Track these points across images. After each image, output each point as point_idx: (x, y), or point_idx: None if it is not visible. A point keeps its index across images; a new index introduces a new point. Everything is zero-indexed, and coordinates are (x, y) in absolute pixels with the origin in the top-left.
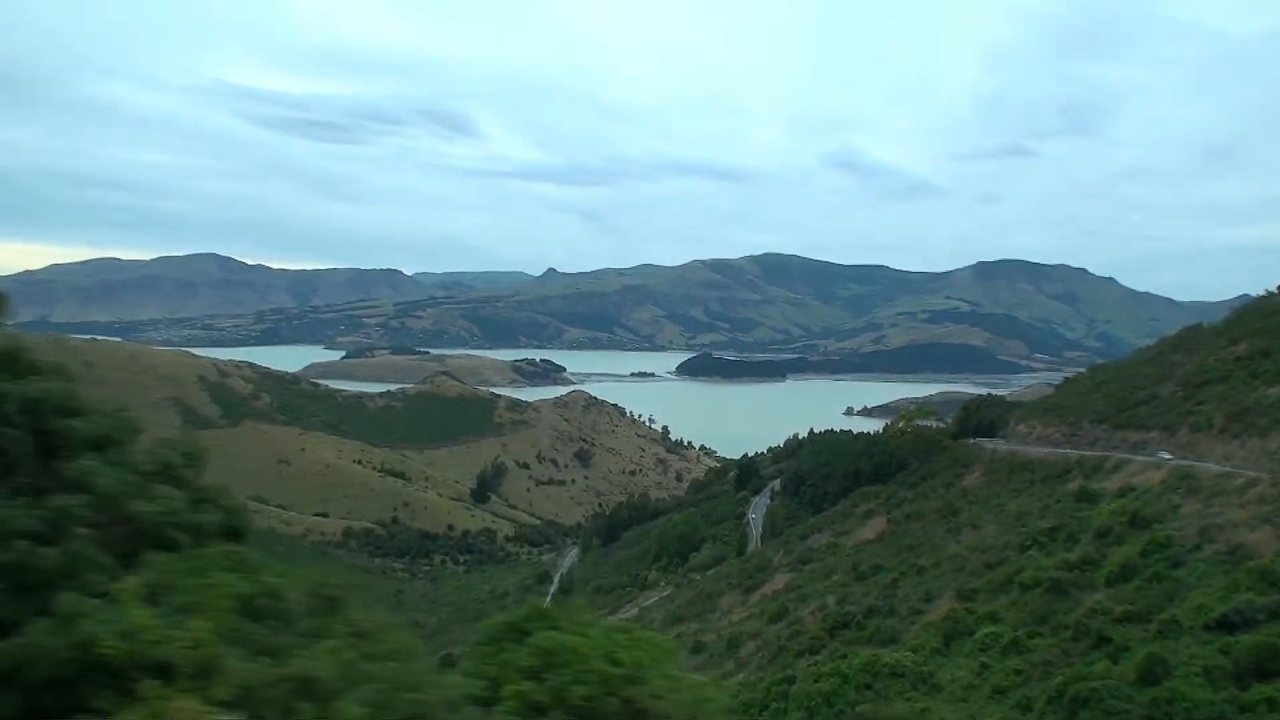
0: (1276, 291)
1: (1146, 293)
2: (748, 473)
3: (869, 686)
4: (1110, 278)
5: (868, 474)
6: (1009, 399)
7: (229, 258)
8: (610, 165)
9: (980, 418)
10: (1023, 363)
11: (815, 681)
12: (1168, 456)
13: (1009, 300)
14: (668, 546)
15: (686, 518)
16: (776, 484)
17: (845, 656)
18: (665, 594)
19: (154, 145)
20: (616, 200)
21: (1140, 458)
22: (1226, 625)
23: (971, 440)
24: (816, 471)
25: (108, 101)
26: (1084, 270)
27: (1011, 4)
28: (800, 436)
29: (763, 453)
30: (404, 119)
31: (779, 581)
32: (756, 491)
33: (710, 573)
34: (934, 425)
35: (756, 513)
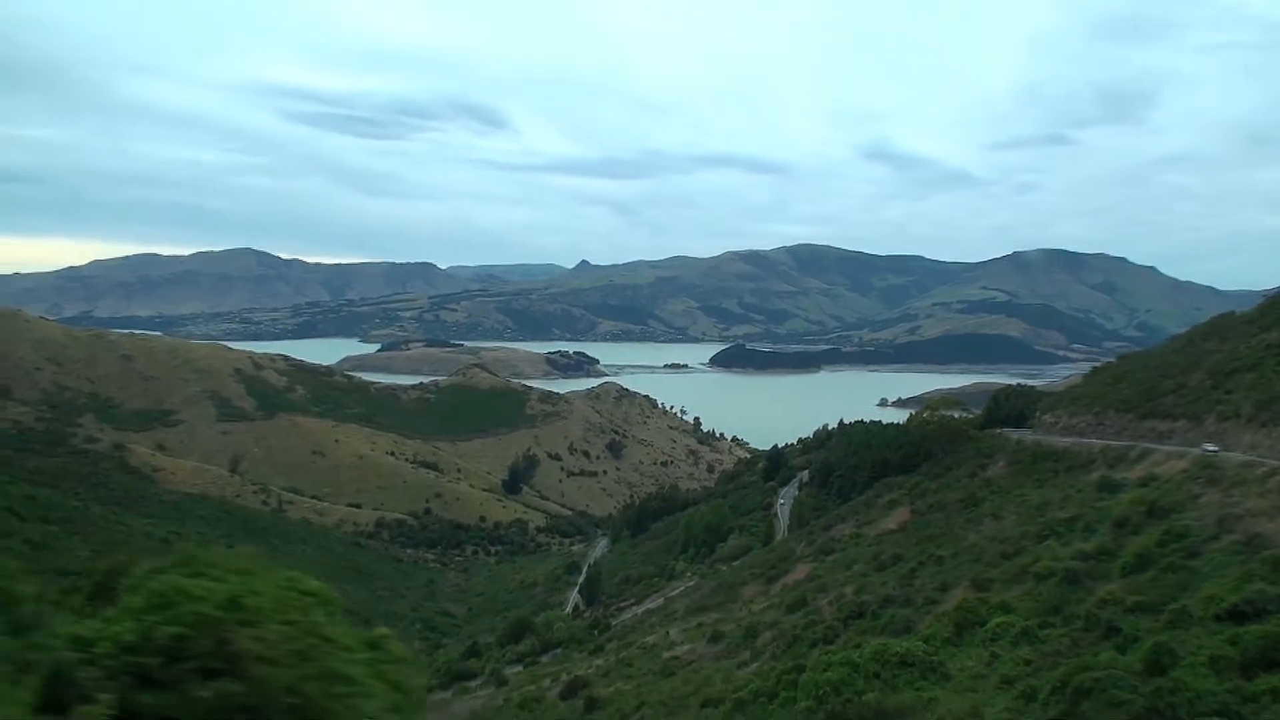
0: None
1: (1189, 282)
2: (776, 463)
3: (878, 675)
4: (1151, 267)
5: (896, 464)
6: (1043, 390)
7: (266, 253)
8: (644, 158)
9: (1009, 408)
10: (1060, 353)
11: (825, 670)
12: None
13: (1047, 290)
14: (695, 537)
15: (714, 508)
16: (805, 475)
17: (859, 646)
18: (691, 584)
19: (193, 143)
20: (650, 193)
21: (1166, 447)
22: (1237, 615)
23: (997, 430)
24: (845, 462)
25: (149, 101)
26: (1124, 259)
27: None
28: (830, 427)
29: (793, 444)
30: (439, 114)
31: (800, 571)
32: (785, 482)
33: (736, 563)
34: (959, 415)
35: (784, 503)
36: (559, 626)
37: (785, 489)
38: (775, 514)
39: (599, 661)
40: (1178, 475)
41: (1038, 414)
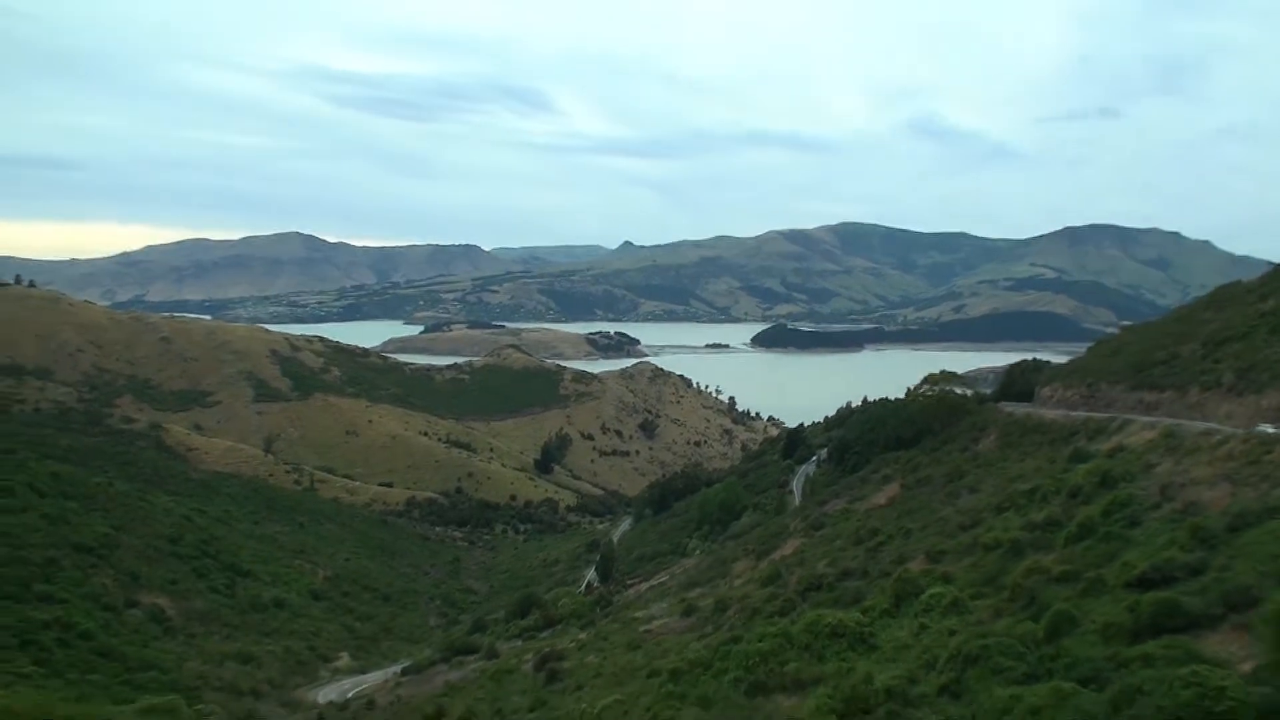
0: None
1: (1245, 256)
2: (795, 442)
3: (808, 647)
4: (1206, 241)
5: (910, 440)
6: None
7: (313, 236)
8: (687, 138)
9: (1024, 383)
10: (1109, 330)
11: (759, 641)
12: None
13: (1097, 266)
14: (709, 515)
15: (727, 486)
16: (823, 453)
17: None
18: (697, 560)
19: (243, 128)
20: (693, 173)
21: (1145, 418)
22: (1146, 583)
23: (996, 404)
24: (861, 439)
25: (201, 87)
26: (1177, 234)
27: None
28: (852, 405)
29: (817, 423)
30: (483, 96)
31: (789, 547)
32: (803, 460)
33: (736, 540)
34: (960, 391)
35: (799, 481)
36: (563, 603)
37: (803, 467)
38: (790, 491)
39: (583, 635)
40: (1143, 445)
41: (1036, 387)
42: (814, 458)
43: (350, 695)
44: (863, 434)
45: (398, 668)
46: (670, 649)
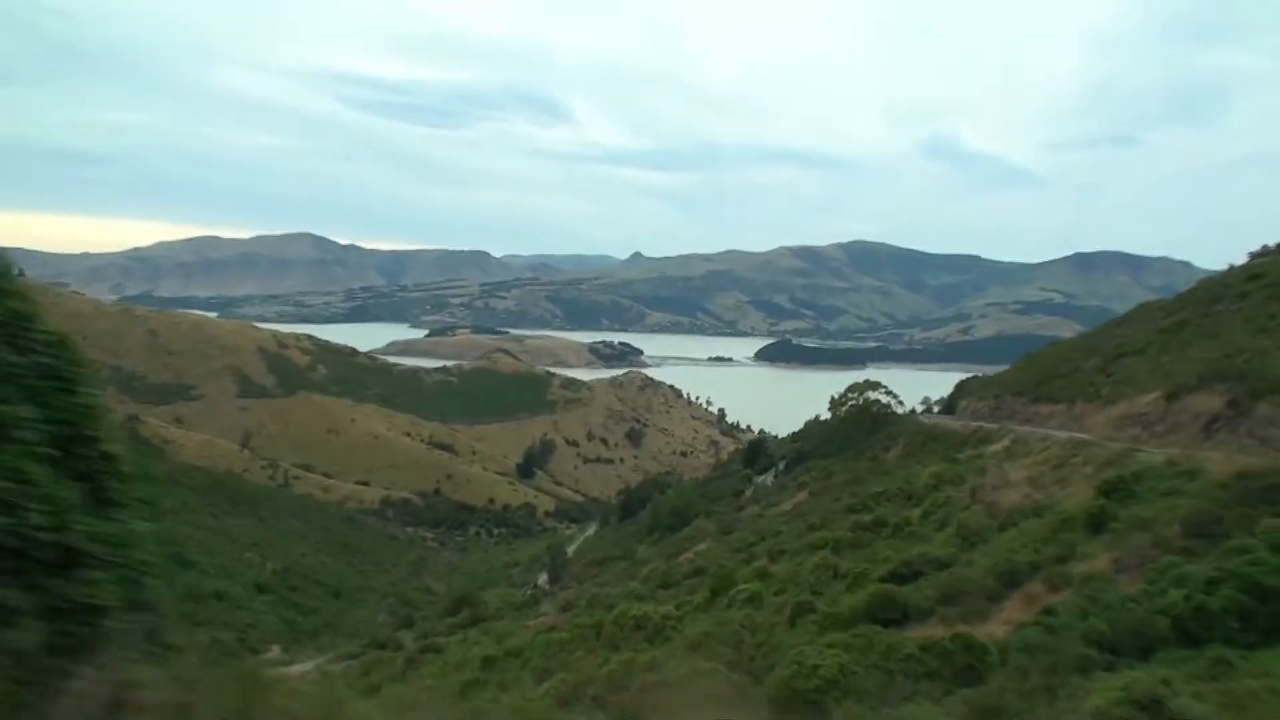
0: (1230, 268)
1: None
2: (756, 451)
3: (611, 638)
4: (1217, 271)
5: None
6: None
7: (323, 237)
8: (702, 152)
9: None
10: None
11: (564, 631)
12: None
13: (1106, 292)
14: (660, 521)
15: (679, 492)
16: (782, 463)
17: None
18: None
19: (260, 128)
20: (707, 186)
21: (1023, 428)
22: (898, 577)
23: (912, 414)
24: (817, 450)
25: (221, 87)
26: (1187, 263)
27: None
28: (819, 417)
29: (785, 435)
30: (501, 104)
31: (694, 549)
32: (764, 470)
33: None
34: (883, 400)
35: (755, 489)
36: (492, 601)
37: (762, 476)
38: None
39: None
40: (995, 452)
41: (958, 400)
42: (773, 468)
43: None
44: (818, 445)
45: (326, 659)
46: (519, 639)
